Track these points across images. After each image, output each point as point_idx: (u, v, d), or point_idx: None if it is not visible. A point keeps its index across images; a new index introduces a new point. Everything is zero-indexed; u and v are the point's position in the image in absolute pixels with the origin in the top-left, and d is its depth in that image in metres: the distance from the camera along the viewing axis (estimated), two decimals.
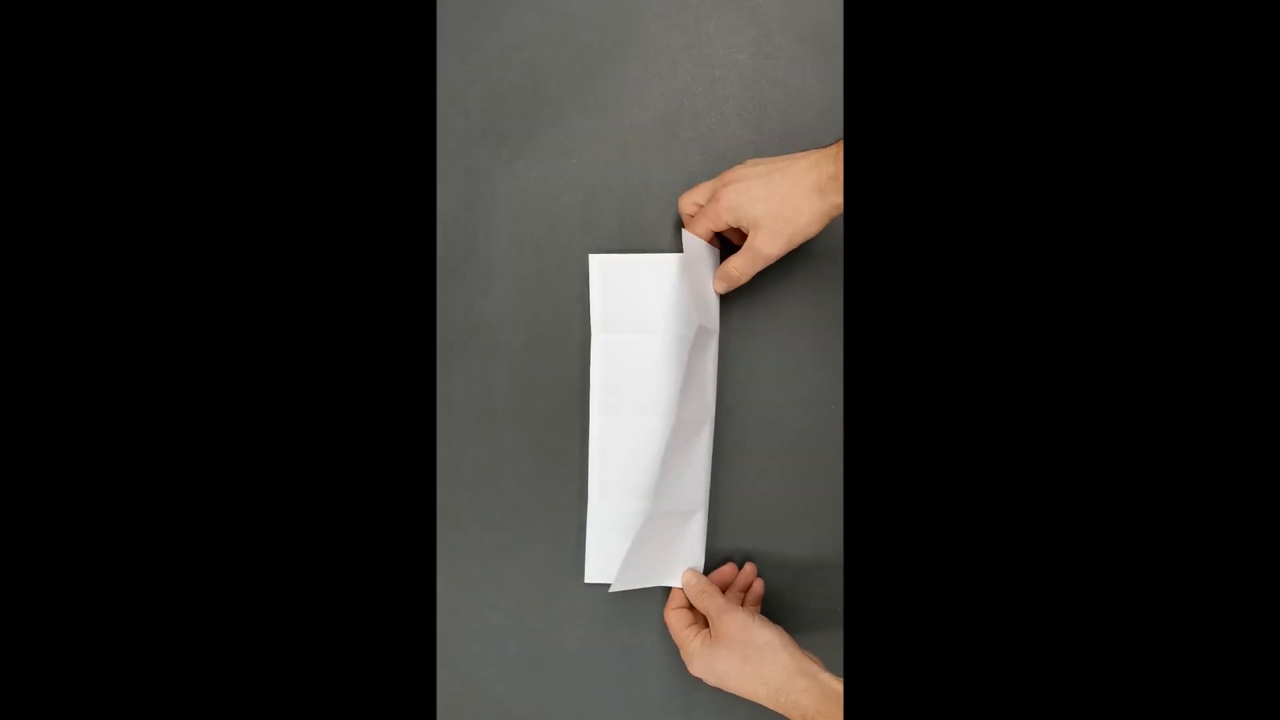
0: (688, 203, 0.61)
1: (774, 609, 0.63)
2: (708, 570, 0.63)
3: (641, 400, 0.63)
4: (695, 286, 0.61)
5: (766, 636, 0.54)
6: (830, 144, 0.54)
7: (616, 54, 0.67)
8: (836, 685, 0.51)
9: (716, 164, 0.66)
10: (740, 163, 0.59)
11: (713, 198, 0.58)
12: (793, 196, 0.54)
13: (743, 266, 0.59)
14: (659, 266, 0.63)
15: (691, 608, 0.61)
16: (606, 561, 0.64)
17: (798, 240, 0.56)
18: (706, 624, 0.58)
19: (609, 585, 0.62)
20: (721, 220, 0.58)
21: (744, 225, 0.57)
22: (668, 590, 0.63)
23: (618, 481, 0.64)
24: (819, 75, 0.65)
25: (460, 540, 0.65)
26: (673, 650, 0.63)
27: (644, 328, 0.63)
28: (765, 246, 0.56)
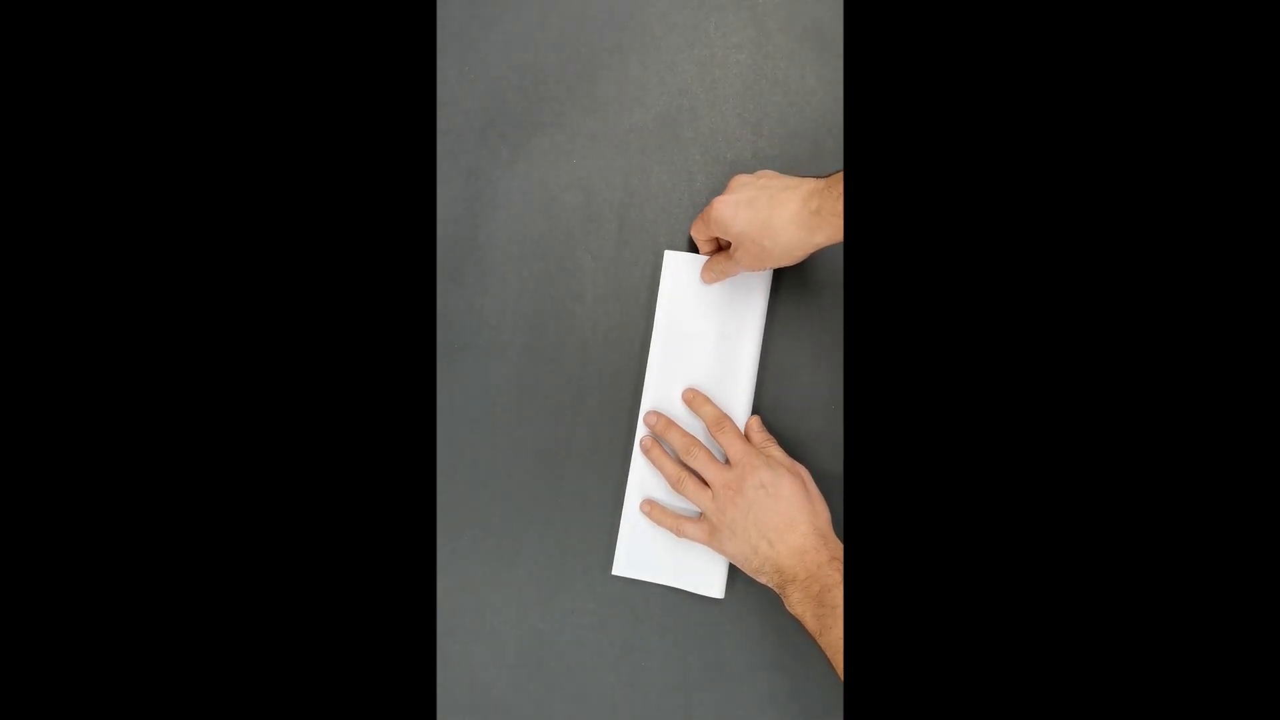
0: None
1: (774, 608, 0.63)
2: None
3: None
4: (745, 295, 0.63)
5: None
6: (834, 171, 0.52)
7: (616, 54, 0.67)
8: None
9: (716, 164, 0.66)
10: (749, 171, 0.59)
11: (709, 204, 0.58)
12: (773, 225, 0.53)
13: (722, 269, 0.60)
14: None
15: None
16: (635, 556, 0.64)
17: (771, 265, 0.56)
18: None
19: (634, 579, 0.64)
20: (710, 230, 0.58)
21: (727, 239, 0.57)
22: (673, 590, 0.64)
23: (657, 479, 0.64)
24: (819, 75, 0.65)
25: (460, 540, 0.65)
26: (672, 650, 0.63)
27: (703, 329, 0.64)
28: (742, 261, 0.57)
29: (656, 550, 0.64)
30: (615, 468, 0.65)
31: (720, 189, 0.65)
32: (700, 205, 0.65)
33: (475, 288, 0.67)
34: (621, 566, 0.64)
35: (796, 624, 0.56)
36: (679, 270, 0.64)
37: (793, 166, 0.65)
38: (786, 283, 0.64)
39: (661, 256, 0.65)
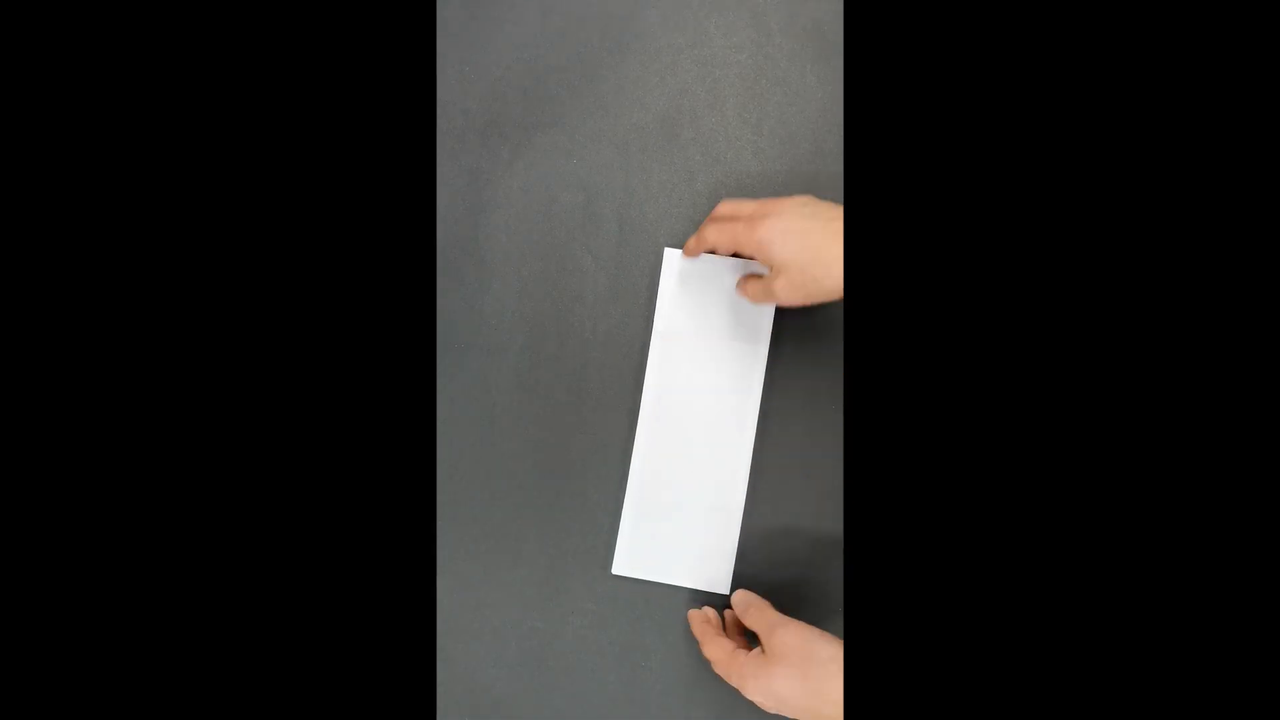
0: (728, 209, 0.58)
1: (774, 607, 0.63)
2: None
3: (691, 401, 0.64)
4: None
5: (830, 651, 0.50)
6: None
7: (616, 54, 0.67)
8: None
9: (716, 164, 0.66)
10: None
11: (749, 222, 0.54)
12: (825, 254, 0.50)
13: (756, 295, 0.58)
14: (729, 268, 0.64)
15: (729, 632, 0.59)
16: (636, 555, 0.64)
17: (817, 299, 0.53)
18: (749, 646, 0.56)
19: (633, 578, 0.63)
20: (748, 249, 0.55)
21: (769, 264, 0.54)
22: (673, 590, 0.64)
23: (657, 478, 0.64)
24: (819, 75, 0.65)
25: (460, 540, 0.65)
26: (672, 650, 0.64)
27: (704, 328, 0.64)
28: (781, 293, 0.53)
29: (657, 548, 0.64)
30: (615, 468, 0.65)
31: (721, 190, 0.65)
32: (700, 205, 0.65)
33: (475, 288, 0.67)
34: (622, 566, 0.64)
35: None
36: (679, 269, 0.64)
37: (792, 166, 0.65)
38: None
39: (661, 256, 0.65)
